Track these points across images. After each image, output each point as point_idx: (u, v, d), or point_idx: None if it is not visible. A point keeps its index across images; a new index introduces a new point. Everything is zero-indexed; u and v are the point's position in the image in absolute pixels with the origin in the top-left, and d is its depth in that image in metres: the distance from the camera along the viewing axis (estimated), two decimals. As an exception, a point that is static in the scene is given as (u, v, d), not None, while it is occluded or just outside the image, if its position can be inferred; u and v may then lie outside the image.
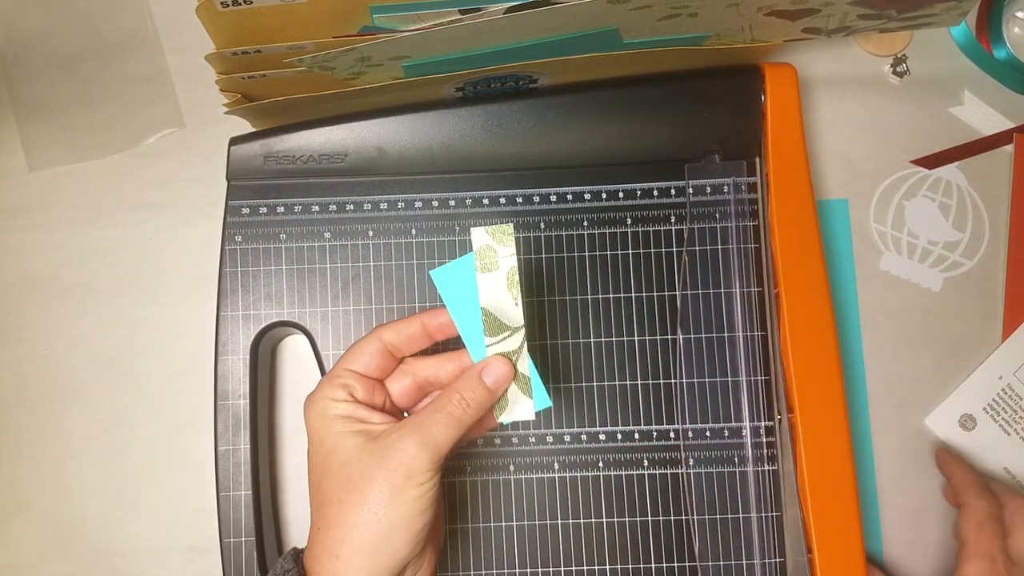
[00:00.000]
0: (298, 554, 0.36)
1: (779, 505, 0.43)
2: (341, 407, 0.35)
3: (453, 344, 0.37)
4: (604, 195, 0.46)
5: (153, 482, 0.47)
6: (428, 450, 0.33)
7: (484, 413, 0.36)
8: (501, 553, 0.43)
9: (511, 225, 0.35)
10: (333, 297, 0.45)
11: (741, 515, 0.43)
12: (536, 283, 0.45)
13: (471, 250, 0.35)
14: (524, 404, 0.36)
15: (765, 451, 0.44)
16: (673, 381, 0.44)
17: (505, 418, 0.36)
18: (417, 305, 0.45)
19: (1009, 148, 0.50)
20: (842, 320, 0.48)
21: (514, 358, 0.36)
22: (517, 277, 0.35)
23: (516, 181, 0.46)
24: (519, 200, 0.46)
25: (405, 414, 0.39)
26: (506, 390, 0.36)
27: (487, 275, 0.35)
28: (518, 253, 0.36)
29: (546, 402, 0.36)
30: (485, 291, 0.35)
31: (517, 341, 0.36)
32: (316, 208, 0.45)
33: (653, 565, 0.43)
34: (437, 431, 0.34)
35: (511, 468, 0.44)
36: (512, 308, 0.36)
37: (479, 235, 0.35)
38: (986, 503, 0.42)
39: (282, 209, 0.45)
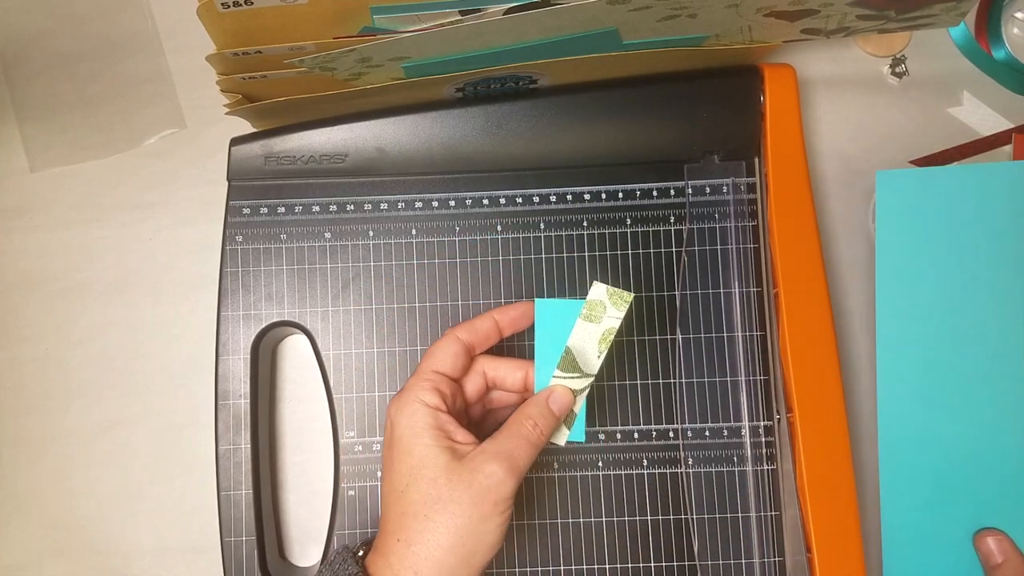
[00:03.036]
0: (357, 556, 0.36)
1: (778, 504, 0.43)
2: (431, 416, 0.36)
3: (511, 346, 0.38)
4: (604, 195, 0.46)
5: (153, 482, 0.47)
6: (514, 476, 0.35)
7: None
8: (500, 552, 0.43)
9: (631, 296, 0.38)
10: (333, 297, 0.45)
11: (740, 514, 0.43)
12: (536, 283, 0.45)
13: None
14: (560, 433, 0.39)
15: (764, 451, 0.44)
16: (673, 381, 0.45)
17: None
18: (417, 305, 0.45)
19: (1008, 148, 0.50)
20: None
21: (575, 395, 0.39)
22: (612, 337, 0.38)
23: (516, 181, 0.46)
24: (519, 200, 0.46)
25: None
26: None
27: (587, 323, 0.38)
28: (624, 318, 0.38)
29: (580, 437, 0.39)
30: (578, 335, 0.38)
31: (582, 384, 0.39)
32: (316, 208, 0.46)
33: (652, 564, 0.43)
34: (519, 456, 0.36)
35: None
36: (594, 358, 0.38)
37: (598, 290, 0.38)
38: None
39: (283, 209, 0.45)
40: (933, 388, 0.38)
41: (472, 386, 0.39)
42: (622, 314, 0.38)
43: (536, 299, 0.39)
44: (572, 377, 0.38)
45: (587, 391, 0.39)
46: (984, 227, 0.34)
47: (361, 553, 0.37)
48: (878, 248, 0.34)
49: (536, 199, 0.46)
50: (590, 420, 0.44)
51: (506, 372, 0.40)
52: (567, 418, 0.39)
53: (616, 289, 0.38)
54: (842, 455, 0.43)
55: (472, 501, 0.34)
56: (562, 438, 0.39)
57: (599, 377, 0.39)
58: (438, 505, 0.34)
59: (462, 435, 0.36)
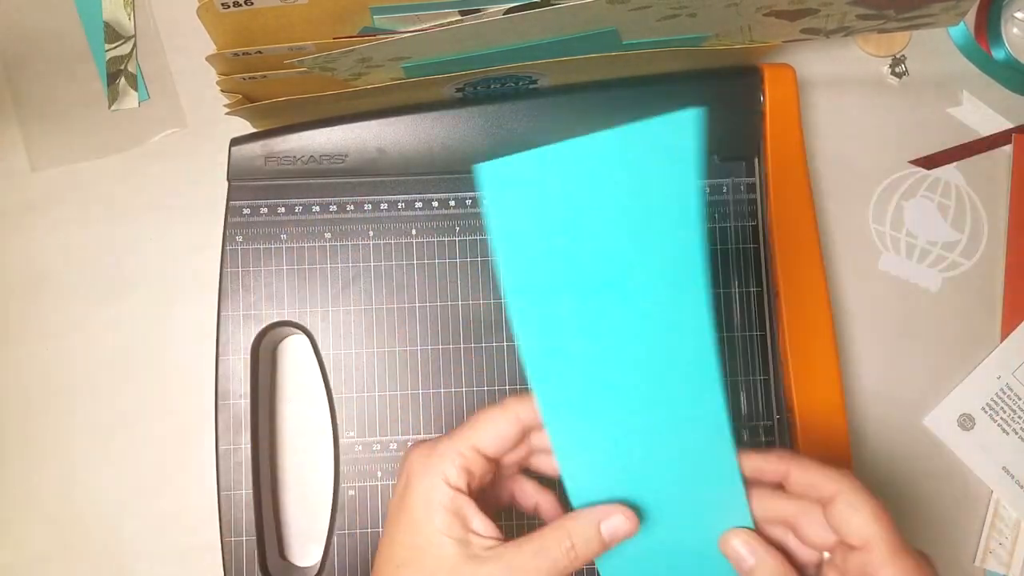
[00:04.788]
0: None
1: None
2: (450, 498, 0.32)
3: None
4: (604, 195, 0.46)
5: (153, 482, 0.47)
6: None
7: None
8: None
9: None
10: (333, 297, 0.45)
11: (740, 514, 0.43)
12: (536, 283, 0.45)
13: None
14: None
15: (764, 450, 0.44)
16: (673, 381, 0.44)
17: None
18: (417, 305, 0.45)
19: (1008, 148, 0.50)
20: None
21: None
22: None
23: (516, 181, 0.46)
24: (519, 200, 0.46)
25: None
26: None
27: None
28: None
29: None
30: None
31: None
32: (317, 208, 0.46)
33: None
34: None
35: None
36: None
37: None
38: None
39: (283, 209, 0.46)
40: (584, 383, 0.32)
41: (514, 456, 0.34)
42: None
43: None
44: None
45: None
46: (592, 199, 0.31)
47: None
48: (495, 245, 0.30)
49: (536, 199, 0.46)
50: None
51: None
52: None
53: None
54: (842, 455, 0.43)
55: None
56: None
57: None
58: None
59: (482, 524, 0.32)
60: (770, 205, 0.45)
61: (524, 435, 0.33)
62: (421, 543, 0.31)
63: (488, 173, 0.30)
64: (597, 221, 0.32)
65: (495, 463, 0.34)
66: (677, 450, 0.33)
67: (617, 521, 0.32)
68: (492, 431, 0.32)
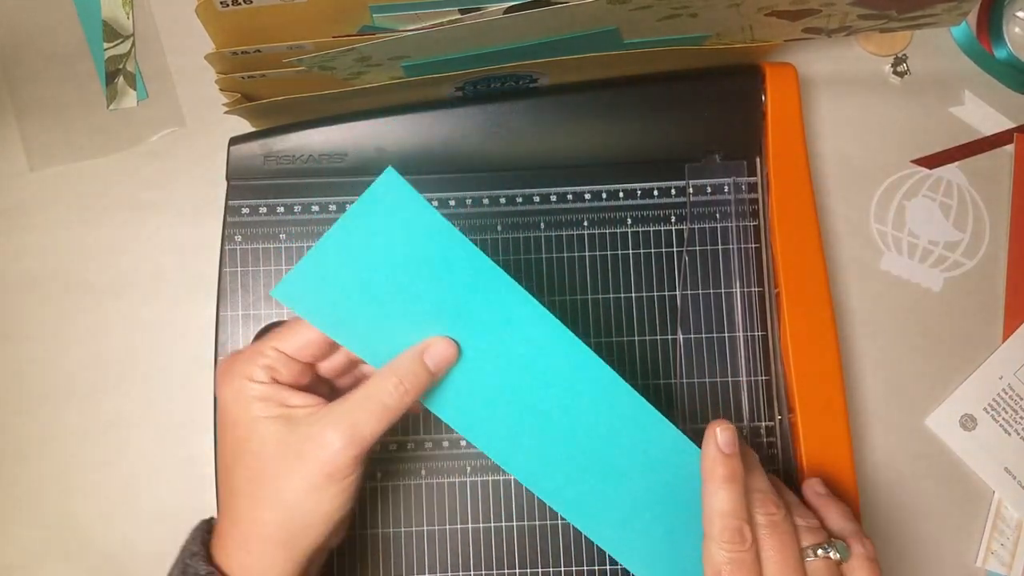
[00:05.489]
0: (206, 537, 0.34)
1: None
2: (259, 388, 0.32)
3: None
4: (604, 195, 0.46)
5: (153, 482, 0.47)
6: (354, 446, 0.31)
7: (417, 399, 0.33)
8: (501, 553, 0.43)
9: None
10: (333, 297, 0.45)
11: (741, 515, 0.43)
12: (536, 283, 0.45)
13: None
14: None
15: (765, 451, 0.44)
16: (673, 381, 0.44)
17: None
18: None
19: (1010, 148, 0.50)
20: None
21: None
22: None
23: (516, 181, 0.46)
24: (519, 200, 0.46)
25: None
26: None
27: None
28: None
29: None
30: None
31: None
32: (316, 208, 0.45)
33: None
34: (366, 423, 0.31)
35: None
36: None
37: None
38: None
39: (282, 209, 0.45)
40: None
41: (329, 363, 0.35)
42: None
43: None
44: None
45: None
46: (386, 272, 0.34)
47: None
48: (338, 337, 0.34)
49: (536, 199, 0.46)
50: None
51: None
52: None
53: None
54: (844, 455, 0.43)
55: (302, 473, 0.31)
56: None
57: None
58: (263, 480, 0.31)
59: (300, 398, 0.32)
60: (772, 204, 0.45)
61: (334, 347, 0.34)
62: (240, 436, 0.32)
63: (285, 291, 0.33)
64: (408, 281, 0.34)
65: (311, 367, 0.34)
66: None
67: (438, 348, 0.32)
68: (294, 335, 0.33)
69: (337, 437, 0.31)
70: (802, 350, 0.43)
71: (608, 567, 0.43)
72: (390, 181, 0.33)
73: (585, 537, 0.38)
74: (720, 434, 0.34)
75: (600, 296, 0.45)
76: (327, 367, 0.35)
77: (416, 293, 0.33)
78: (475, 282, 0.34)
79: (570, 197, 0.46)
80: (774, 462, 0.44)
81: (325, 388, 0.36)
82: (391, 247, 0.33)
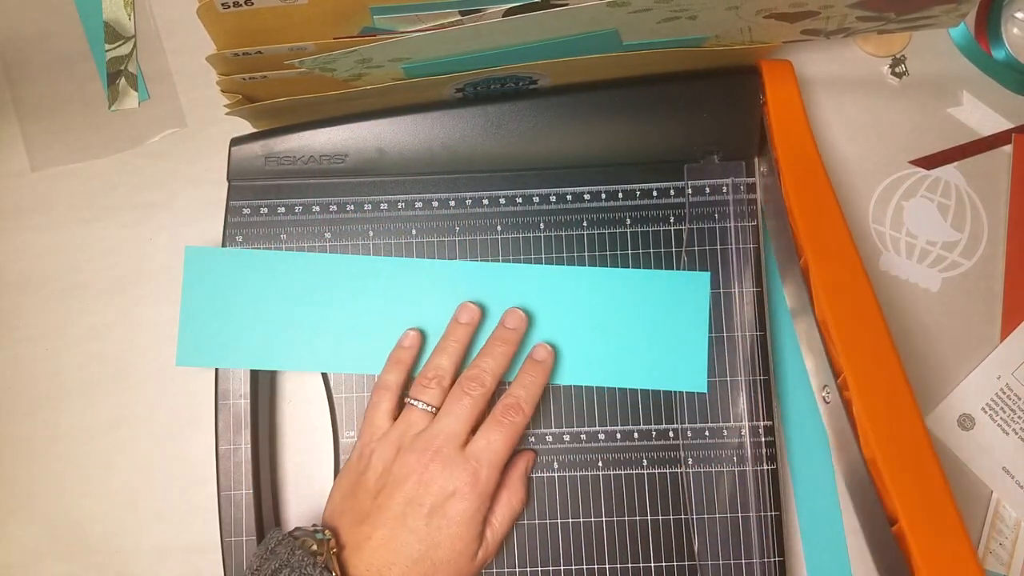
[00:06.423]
0: (316, 556, 0.37)
1: (778, 504, 0.43)
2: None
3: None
4: (604, 195, 0.46)
5: (153, 482, 0.47)
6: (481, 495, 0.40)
7: None
8: (500, 552, 0.43)
9: None
10: (333, 297, 0.45)
11: (740, 514, 0.43)
12: (536, 283, 0.45)
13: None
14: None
15: (764, 451, 0.44)
16: (672, 381, 0.45)
17: None
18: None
19: (1008, 149, 0.50)
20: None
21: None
22: None
23: (516, 181, 0.46)
24: (519, 200, 0.46)
25: None
26: None
27: None
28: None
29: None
30: None
31: None
32: (317, 208, 0.46)
33: (652, 564, 0.43)
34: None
35: (511, 468, 0.44)
36: None
37: None
38: None
39: (283, 209, 0.46)
40: None
41: None
42: None
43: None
44: None
45: None
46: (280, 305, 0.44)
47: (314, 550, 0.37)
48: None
49: (536, 199, 0.46)
50: (580, 413, 0.44)
51: None
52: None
53: None
54: (907, 406, 0.40)
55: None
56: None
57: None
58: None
59: None
60: (787, 191, 0.44)
61: None
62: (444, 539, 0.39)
63: (185, 357, 0.43)
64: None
65: None
66: None
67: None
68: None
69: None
70: (841, 318, 0.42)
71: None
72: (194, 256, 0.43)
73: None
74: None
75: (600, 296, 0.45)
76: None
77: (311, 308, 0.44)
78: (352, 273, 0.44)
79: (570, 198, 0.46)
80: (773, 461, 0.44)
81: None
82: (248, 289, 0.43)
